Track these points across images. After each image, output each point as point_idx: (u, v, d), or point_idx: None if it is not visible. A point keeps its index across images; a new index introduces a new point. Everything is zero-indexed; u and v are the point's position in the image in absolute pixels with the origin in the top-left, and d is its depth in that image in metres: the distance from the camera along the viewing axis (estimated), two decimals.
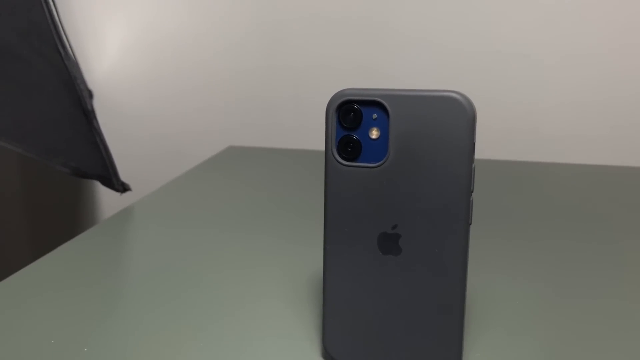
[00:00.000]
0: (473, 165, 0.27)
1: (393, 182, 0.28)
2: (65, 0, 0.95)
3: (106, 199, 1.04)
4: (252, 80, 0.90)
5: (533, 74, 0.79)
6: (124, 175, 0.87)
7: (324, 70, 0.85)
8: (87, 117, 0.53)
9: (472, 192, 0.28)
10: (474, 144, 0.27)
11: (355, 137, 0.29)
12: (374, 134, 0.28)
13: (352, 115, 0.29)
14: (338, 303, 0.30)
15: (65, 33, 0.94)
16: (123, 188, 0.60)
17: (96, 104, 1.01)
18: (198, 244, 0.49)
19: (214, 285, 0.41)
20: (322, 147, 0.82)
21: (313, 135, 0.87)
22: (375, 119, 0.28)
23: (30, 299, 0.39)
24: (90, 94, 1.00)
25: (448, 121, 0.27)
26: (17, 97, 0.53)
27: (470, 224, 0.28)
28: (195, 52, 0.91)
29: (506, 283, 0.41)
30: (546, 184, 0.64)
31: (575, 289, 0.40)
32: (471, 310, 0.37)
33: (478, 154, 0.80)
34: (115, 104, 0.99)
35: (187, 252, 0.47)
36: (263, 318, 0.36)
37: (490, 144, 0.82)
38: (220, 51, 0.90)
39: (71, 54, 0.51)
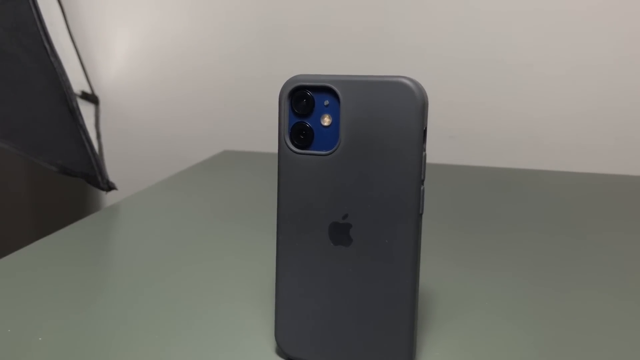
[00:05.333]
0: (424, 153, 0.27)
1: (343, 170, 0.28)
2: (75, 8, 0.97)
3: (111, 196, 1.04)
4: (253, 86, 0.90)
5: (536, 83, 0.77)
6: (123, 177, 0.88)
7: None
8: (73, 114, 0.54)
9: (424, 180, 0.27)
10: (425, 130, 0.27)
11: (307, 124, 0.28)
12: (326, 120, 0.28)
13: (304, 102, 0.28)
14: (289, 296, 0.29)
15: (73, 38, 0.96)
16: (108, 186, 0.60)
17: (101, 109, 1.02)
18: (178, 241, 0.48)
19: (184, 281, 0.41)
20: None
21: None
22: (327, 105, 0.28)
23: None
24: (95, 100, 1.02)
25: (397, 107, 0.26)
26: (4, 94, 0.54)
27: (421, 213, 0.27)
28: (196, 60, 0.92)
29: (481, 284, 0.40)
30: (544, 191, 0.63)
31: (552, 294, 0.38)
32: (437, 309, 0.36)
33: (479, 162, 0.79)
34: (119, 109, 1.00)
35: (165, 248, 0.47)
36: (225, 314, 0.36)
37: (491, 152, 0.80)
38: (221, 59, 0.91)
39: (57, 51, 0.52)
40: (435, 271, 0.42)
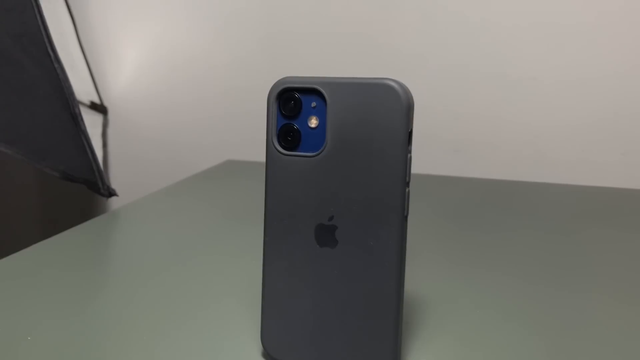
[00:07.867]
0: (409, 155, 0.26)
1: (330, 172, 0.27)
2: (85, 20, 0.99)
3: (116, 202, 1.05)
4: (257, 96, 0.91)
5: (540, 96, 0.77)
6: (128, 183, 0.88)
7: None
8: (75, 120, 0.54)
9: (409, 182, 0.27)
10: (411, 132, 0.27)
11: (295, 126, 0.28)
12: (313, 122, 0.28)
13: (292, 104, 0.28)
14: (275, 298, 0.29)
15: (83, 50, 0.98)
16: (109, 193, 0.60)
17: (110, 118, 1.04)
18: (174, 245, 0.49)
19: (177, 284, 0.41)
20: None
21: None
22: (314, 107, 0.28)
23: None
24: (104, 110, 1.03)
25: (383, 109, 0.26)
26: (9, 100, 0.55)
27: (407, 215, 0.27)
28: (201, 70, 0.93)
29: (474, 292, 0.39)
30: (547, 204, 0.62)
31: (546, 303, 0.38)
32: (426, 316, 0.35)
33: (483, 174, 0.79)
34: (127, 118, 1.01)
35: (161, 252, 0.47)
36: (214, 317, 0.36)
37: (496, 165, 0.80)
38: (226, 69, 0.92)
39: (60, 57, 0.53)
40: (429, 278, 0.41)
